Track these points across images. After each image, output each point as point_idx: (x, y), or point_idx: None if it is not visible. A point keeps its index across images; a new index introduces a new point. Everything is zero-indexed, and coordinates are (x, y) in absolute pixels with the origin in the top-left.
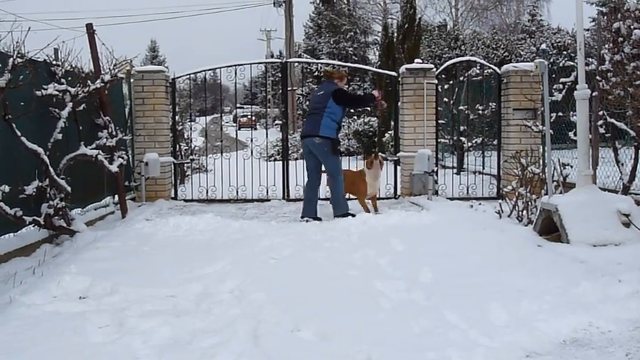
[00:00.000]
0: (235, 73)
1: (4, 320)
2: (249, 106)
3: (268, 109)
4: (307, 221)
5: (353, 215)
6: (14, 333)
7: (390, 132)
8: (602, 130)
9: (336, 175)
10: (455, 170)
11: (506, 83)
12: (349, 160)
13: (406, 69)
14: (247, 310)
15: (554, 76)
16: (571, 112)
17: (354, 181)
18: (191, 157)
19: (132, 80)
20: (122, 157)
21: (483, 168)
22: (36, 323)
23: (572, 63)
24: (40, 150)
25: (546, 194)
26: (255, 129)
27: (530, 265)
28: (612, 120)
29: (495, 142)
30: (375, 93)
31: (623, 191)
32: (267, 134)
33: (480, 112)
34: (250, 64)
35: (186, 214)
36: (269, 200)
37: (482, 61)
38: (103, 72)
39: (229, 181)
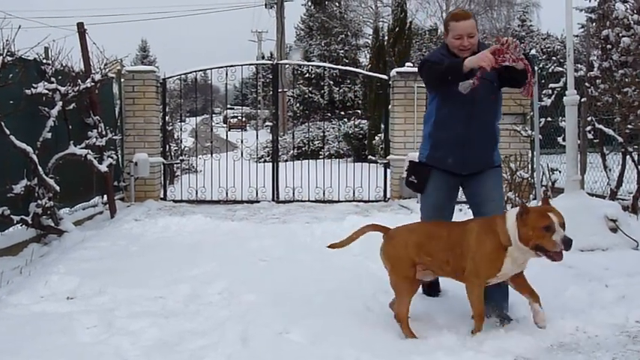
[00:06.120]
0: (226, 74)
1: None
2: (240, 107)
3: (259, 111)
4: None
5: None
6: (0, 333)
7: (380, 135)
8: (590, 136)
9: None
10: None
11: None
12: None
13: (397, 72)
14: (236, 311)
15: (543, 81)
16: (560, 118)
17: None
18: (181, 157)
19: (122, 80)
20: (111, 157)
21: None
22: (23, 324)
23: (561, 69)
24: (29, 149)
25: (535, 199)
26: (246, 130)
27: None
28: (600, 126)
29: None
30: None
31: (610, 197)
32: (257, 135)
33: None
34: (241, 65)
35: (176, 215)
36: (258, 202)
37: None
38: (93, 71)
39: (219, 182)
